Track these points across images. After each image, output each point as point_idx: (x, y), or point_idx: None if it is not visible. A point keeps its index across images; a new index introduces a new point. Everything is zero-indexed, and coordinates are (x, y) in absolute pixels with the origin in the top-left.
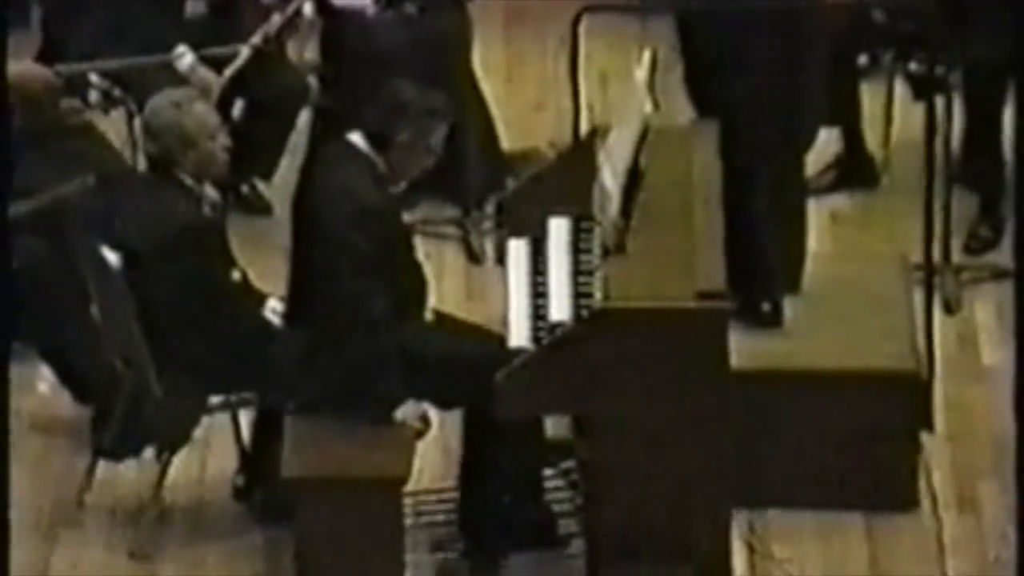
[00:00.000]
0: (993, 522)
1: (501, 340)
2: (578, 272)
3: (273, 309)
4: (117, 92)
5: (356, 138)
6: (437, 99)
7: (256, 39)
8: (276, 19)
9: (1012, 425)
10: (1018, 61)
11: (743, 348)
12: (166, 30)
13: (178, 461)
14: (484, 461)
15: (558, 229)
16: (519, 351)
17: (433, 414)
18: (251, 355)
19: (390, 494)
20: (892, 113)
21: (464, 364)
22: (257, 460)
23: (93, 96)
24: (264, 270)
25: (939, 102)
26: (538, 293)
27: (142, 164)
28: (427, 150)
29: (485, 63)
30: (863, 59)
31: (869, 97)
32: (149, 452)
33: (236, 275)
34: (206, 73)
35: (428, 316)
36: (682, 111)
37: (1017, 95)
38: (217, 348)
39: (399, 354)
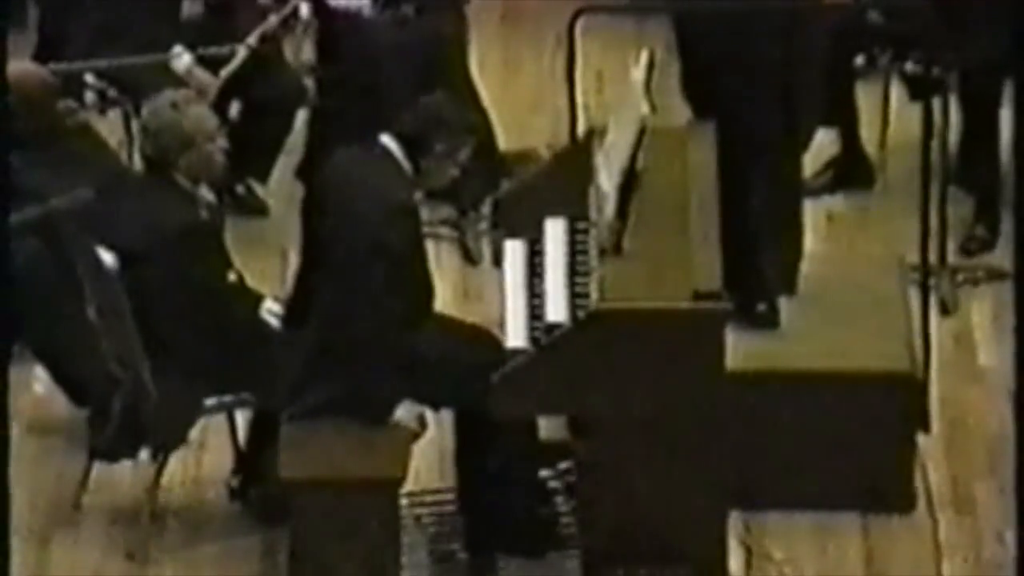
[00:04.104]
0: (989, 522)
1: (497, 341)
2: (575, 273)
3: (269, 310)
4: (113, 92)
5: (388, 140)
6: (474, 119)
7: (253, 40)
8: (273, 20)
9: (1008, 425)
10: (1015, 62)
11: (739, 349)
12: (162, 30)
13: (174, 462)
14: (479, 462)
15: (554, 230)
16: (516, 352)
17: (429, 415)
18: (247, 356)
19: (387, 495)
20: (889, 114)
21: (460, 365)
22: (253, 461)
23: (89, 97)
24: (260, 271)
25: (936, 103)
26: (535, 294)
27: (138, 165)
28: (455, 164)
29: (481, 64)
30: (860, 60)
31: (866, 98)
32: (145, 453)
33: (232, 276)
34: (203, 74)
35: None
36: (679, 112)
37: (1014, 96)
38: (213, 349)
39: (399, 356)
